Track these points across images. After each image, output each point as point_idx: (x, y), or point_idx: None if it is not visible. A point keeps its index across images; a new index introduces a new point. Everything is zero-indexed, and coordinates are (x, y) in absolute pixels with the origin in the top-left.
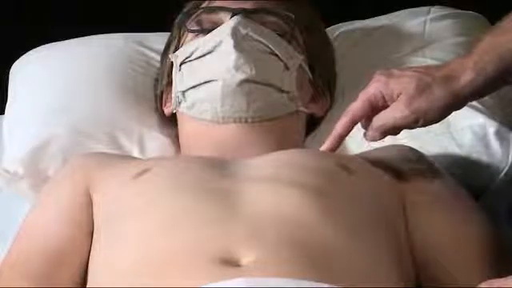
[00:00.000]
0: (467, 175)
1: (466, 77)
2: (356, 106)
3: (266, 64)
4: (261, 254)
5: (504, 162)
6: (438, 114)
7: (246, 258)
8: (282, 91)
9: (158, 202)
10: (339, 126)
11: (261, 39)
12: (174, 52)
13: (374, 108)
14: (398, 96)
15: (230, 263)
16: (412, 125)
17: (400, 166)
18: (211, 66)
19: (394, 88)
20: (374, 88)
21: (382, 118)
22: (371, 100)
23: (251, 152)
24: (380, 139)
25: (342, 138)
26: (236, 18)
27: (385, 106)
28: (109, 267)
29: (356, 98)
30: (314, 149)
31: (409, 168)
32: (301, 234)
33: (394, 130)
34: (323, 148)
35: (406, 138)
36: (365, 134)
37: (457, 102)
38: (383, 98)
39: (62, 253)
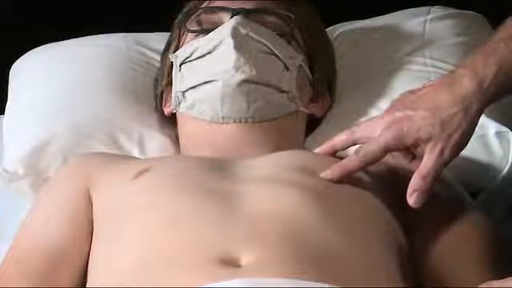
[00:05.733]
0: (467, 175)
1: (485, 96)
2: (374, 152)
3: (266, 64)
4: (261, 254)
5: (504, 161)
6: (469, 139)
7: (246, 259)
8: (282, 91)
9: (157, 202)
10: (352, 167)
11: (261, 39)
12: (174, 52)
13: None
14: (424, 143)
15: (230, 264)
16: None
17: (400, 168)
18: (211, 66)
19: (415, 137)
20: (393, 139)
21: (421, 179)
22: (389, 149)
23: (251, 152)
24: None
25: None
26: (236, 18)
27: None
28: (109, 267)
29: (367, 137)
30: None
31: (409, 170)
32: (301, 234)
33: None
34: (327, 174)
35: None
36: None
37: (479, 117)
38: (403, 145)
39: (61, 253)
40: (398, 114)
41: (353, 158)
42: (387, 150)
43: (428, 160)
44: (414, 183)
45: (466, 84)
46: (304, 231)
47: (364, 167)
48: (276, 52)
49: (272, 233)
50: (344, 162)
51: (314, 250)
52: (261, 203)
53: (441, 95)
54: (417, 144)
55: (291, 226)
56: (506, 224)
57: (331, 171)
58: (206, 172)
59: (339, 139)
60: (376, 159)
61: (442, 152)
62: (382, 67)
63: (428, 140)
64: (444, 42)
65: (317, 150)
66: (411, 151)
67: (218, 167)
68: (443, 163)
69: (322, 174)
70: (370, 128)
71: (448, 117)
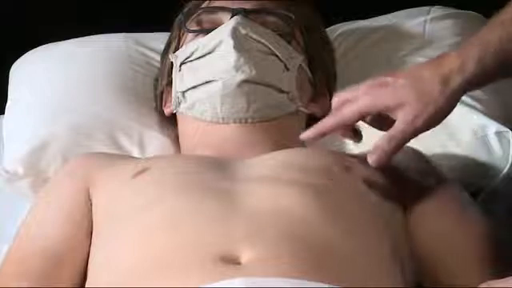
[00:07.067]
0: (467, 175)
1: (466, 74)
2: (351, 111)
3: (266, 64)
4: (261, 252)
5: (504, 161)
6: (444, 116)
7: (247, 257)
8: (282, 91)
9: (157, 202)
10: (327, 126)
11: (261, 39)
12: (174, 52)
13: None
14: (400, 108)
15: (231, 262)
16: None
17: (400, 166)
18: (211, 66)
19: (392, 102)
20: (371, 101)
21: (387, 140)
22: (366, 112)
23: (251, 152)
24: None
25: (323, 136)
26: (236, 18)
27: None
28: (109, 267)
29: (346, 102)
30: (314, 148)
31: (409, 168)
32: (301, 232)
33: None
34: (304, 135)
35: None
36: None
37: (459, 98)
38: (379, 108)
39: (61, 253)
40: (378, 80)
41: (329, 118)
42: (364, 113)
43: (399, 124)
44: (379, 143)
45: (448, 63)
46: (304, 228)
47: (339, 127)
48: (276, 52)
49: (272, 230)
50: (320, 122)
51: (314, 247)
52: (261, 202)
53: (423, 70)
54: (392, 109)
55: (291, 223)
56: (506, 224)
57: (309, 131)
58: (206, 171)
59: (329, 126)
60: (352, 120)
61: (414, 120)
62: (382, 67)
63: (403, 105)
64: (444, 42)
65: (303, 135)
66: (387, 119)
67: (218, 166)
68: (413, 131)
69: (302, 135)
70: (351, 94)
71: (427, 88)
